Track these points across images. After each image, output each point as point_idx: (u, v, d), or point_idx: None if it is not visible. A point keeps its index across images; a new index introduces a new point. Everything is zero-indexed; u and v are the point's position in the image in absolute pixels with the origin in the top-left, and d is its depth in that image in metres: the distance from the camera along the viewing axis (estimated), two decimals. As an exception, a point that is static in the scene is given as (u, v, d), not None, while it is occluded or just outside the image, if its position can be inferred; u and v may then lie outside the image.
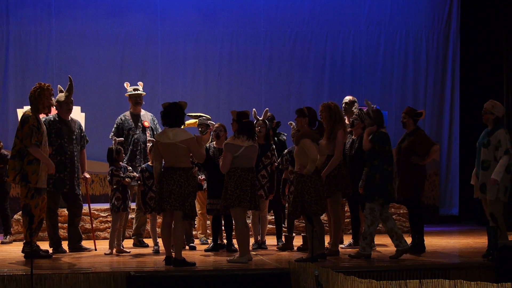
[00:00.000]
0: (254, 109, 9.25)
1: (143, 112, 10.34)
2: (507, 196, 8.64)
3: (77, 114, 10.62)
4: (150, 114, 10.42)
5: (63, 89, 9.45)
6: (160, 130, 10.23)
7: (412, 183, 9.21)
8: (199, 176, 9.71)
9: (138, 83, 10.35)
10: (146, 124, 10.16)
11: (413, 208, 9.35)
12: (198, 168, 9.50)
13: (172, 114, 8.28)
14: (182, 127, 9.66)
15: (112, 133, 10.18)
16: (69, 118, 9.49)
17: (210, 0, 13.12)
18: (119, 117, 10.28)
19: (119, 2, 12.93)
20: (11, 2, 12.60)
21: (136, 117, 10.25)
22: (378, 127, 8.76)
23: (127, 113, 10.32)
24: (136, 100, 10.28)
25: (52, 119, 9.39)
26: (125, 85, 10.38)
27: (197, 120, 10.09)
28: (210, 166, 9.28)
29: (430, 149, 9.20)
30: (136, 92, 10.28)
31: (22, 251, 8.79)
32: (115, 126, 10.26)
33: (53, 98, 9.52)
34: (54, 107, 9.50)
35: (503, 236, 8.52)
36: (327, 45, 13.35)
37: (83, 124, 10.11)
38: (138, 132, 10.22)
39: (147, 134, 10.19)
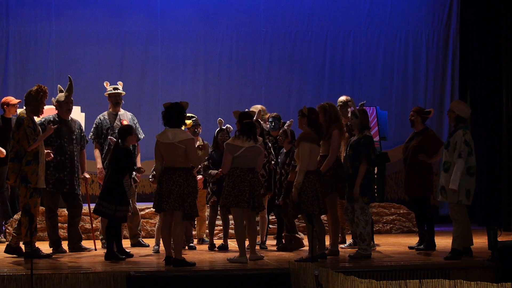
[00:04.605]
0: (246, 109, 9.24)
1: (122, 111, 10.20)
2: (471, 199, 8.62)
3: (77, 114, 10.60)
4: (130, 113, 10.32)
5: (63, 89, 9.44)
6: (140, 129, 10.21)
7: (419, 182, 9.28)
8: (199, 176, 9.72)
9: (118, 83, 10.26)
10: (125, 122, 10.09)
11: (421, 207, 9.40)
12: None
13: (173, 114, 8.28)
14: (183, 127, 9.70)
15: (91, 133, 10.06)
16: (69, 118, 9.48)
17: (210, 0, 13.12)
18: (98, 117, 10.14)
19: (119, 2, 12.93)
20: (11, 2, 12.60)
21: (114, 116, 10.14)
22: (363, 128, 8.75)
23: (106, 113, 10.21)
24: (115, 100, 10.14)
25: (52, 119, 9.38)
26: (104, 84, 10.28)
27: (191, 121, 10.07)
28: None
29: (439, 149, 9.25)
30: (116, 91, 10.18)
31: (5, 251, 8.81)
32: (94, 126, 10.10)
33: (53, 98, 9.54)
34: (54, 107, 9.51)
35: (467, 239, 8.63)
36: (327, 45, 13.35)
37: (83, 124, 10.10)
38: (116, 131, 10.09)
39: None
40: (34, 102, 8.72)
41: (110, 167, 8.86)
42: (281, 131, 9.58)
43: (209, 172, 9.65)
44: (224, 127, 9.82)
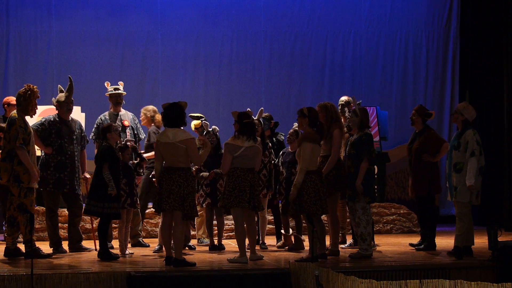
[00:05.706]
0: (248, 109, 9.24)
1: (123, 111, 10.23)
2: (479, 199, 8.72)
3: (77, 114, 10.61)
4: (131, 113, 10.33)
5: (63, 89, 9.44)
6: (141, 129, 10.24)
7: (425, 182, 9.29)
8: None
9: (118, 83, 10.28)
10: (126, 123, 10.09)
11: (426, 207, 9.41)
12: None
13: (172, 115, 8.28)
14: (193, 127, 9.72)
15: (93, 133, 10.09)
16: (70, 118, 9.48)
17: (210, 1, 13.12)
18: (99, 117, 10.17)
19: (119, 2, 12.93)
20: (11, 2, 12.60)
21: (115, 116, 10.15)
22: (363, 127, 8.76)
23: (107, 113, 10.22)
24: (116, 100, 10.17)
25: (52, 119, 9.38)
26: (105, 84, 10.30)
27: (199, 121, 10.08)
28: None
29: (440, 147, 9.28)
30: (116, 91, 10.20)
31: (5, 255, 8.75)
32: (95, 126, 10.13)
33: (53, 98, 9.54)
34: (55, 107, 9.51)
35: (469, 239, 8.72)
36: (327, 45, 13.36)
37: (83, 124, 10.10)
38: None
39: (127, 133, 10.11)
40: (23, 102, 8.70)
41: (95, 166, 8.86)
42: (291, 130, 9.55)
43: (201, 174, 9.61)
44: (210, 129, 9.79)
